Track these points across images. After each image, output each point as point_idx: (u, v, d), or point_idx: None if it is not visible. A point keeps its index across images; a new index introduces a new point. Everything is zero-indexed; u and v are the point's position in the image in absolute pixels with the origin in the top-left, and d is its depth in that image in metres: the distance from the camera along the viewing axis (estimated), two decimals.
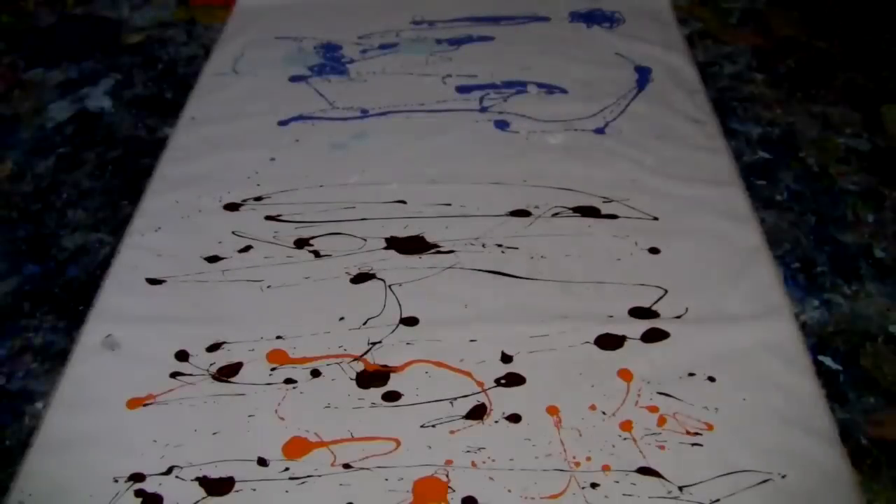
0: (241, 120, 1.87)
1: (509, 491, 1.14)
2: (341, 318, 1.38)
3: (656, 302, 1.40)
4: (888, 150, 1.77)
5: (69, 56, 2.18)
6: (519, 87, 1.96)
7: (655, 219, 1.57)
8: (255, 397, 1.27)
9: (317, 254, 1.51)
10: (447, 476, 1.15)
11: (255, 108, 1.91)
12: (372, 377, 1.29)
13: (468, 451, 1.19)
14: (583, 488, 1.14)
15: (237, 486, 1.15)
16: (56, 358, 1.37)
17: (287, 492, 1.15)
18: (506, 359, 1.31)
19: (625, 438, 1.19)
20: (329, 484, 1.15)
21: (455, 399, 1.26)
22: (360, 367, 1.31)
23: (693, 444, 1.18)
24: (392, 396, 1.26)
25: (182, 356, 1.33)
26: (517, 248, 1.51)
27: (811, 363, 1.30)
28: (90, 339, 1.36)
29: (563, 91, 1.93)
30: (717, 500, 1.12)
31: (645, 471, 1.15)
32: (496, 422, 1.23)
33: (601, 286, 1.43)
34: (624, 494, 1.13)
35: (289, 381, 1.29)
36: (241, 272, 1.48)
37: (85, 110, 1.99)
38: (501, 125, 1.84)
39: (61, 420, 1.24)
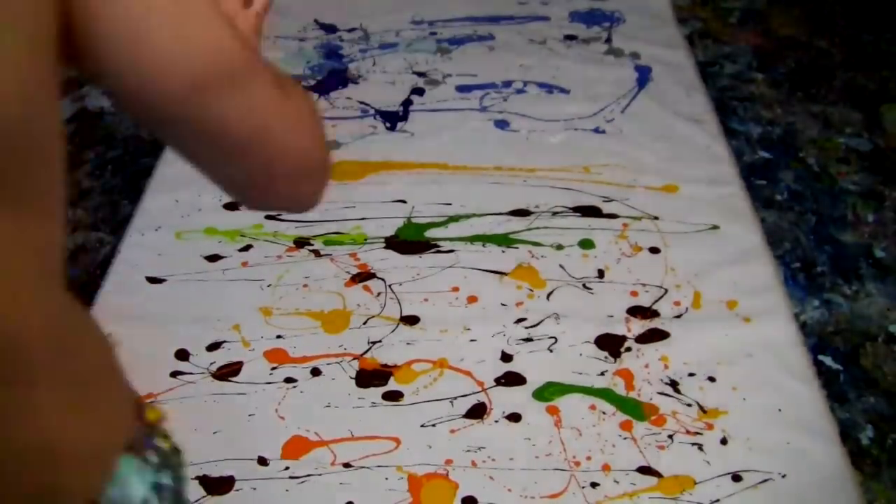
0: None
1: (509, 490, 1.14)
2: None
3: (656, 302, 1.40)
4: (888, 150, 1.77)
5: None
6: (519, 86, 1.96)
7: (655, 218, 1.57)
8: (255, 396, 1.27)
9: (317, 253, 1.52)
10: (447, 475, 1.15)
11: None
12: (372, 376, 1.29)
13: (468, 451, 1.18)
14: (583, 488, 1.14)
15: (237, 485, 1.15)
16: None
17: (287, 491, 1.15)
18: (506, 358, 1.31)
19: (625, 438, 1.19)
20: (329, 483, 1.15)
21: (455, 398, 1.26)
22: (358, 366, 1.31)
23: (693, 444, 1.18)
24: (392, 396, 1.26)
25: (182, 355, 1.33)
26: (517, 248, 1.51)
27: (811, 363, 1.30)
28: None
29: (563, 91, 1.93)
30: (717, 500, 1.12)
31: (645, 470, 1.15)
32: (496, 421, 1.23)
33: (601, 286, 1.43)
34: (624, 494, 1.13)
35: (289, 380, 1.29)
36: (241, 271, 1.48)
37: (85, 110, 1.99)
38: (501, 125, 1.84)
39: None
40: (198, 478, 1.16)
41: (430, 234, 1.55)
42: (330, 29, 2.22)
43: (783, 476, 1.14)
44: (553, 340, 1.34)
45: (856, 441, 1.21)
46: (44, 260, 0.46)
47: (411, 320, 1.38)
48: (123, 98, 0.45)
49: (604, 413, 1.23)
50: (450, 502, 1.12)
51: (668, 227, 1.55)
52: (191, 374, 1.30)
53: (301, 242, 1.54)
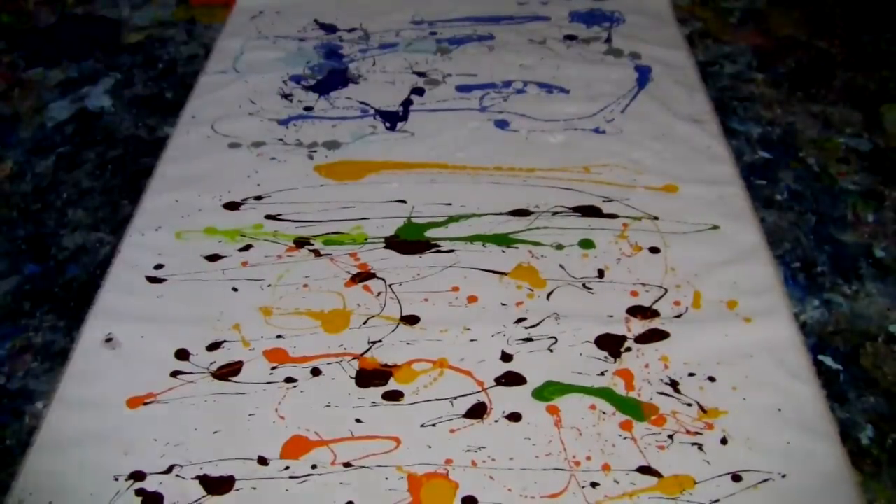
0: (241, 119, 1.87)
1: (509, 490, 1.14)
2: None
3: (656, 302, 1.40)
4: (888, 150, 1.77)
5: (69, 56, 2.18)
6: (519, 86, 1.96)
7: (655, 218, 1.57)
8: (255, 396, 1.27)
9: (317, 253, 1.52)
10: (447, 475, 1.15)
11: (254, 107, 1.91)
12: (372, 376, 1.29)
13: (468, 451, 1.18)
14: (583, 488, 1.14)
15: (237, 484, 1.15)
16: (56, 357, 1.37)
17: (287, 490, 1.15)
18: (506, 358, 1.31)
19: (625, 438, 1.20)
20: (329, 482, 1.15)
21: (455, 398, 1.26)
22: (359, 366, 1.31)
23: (693, 444, 1.19)
24: (392, 395, 1.26)
25: (182, 355, 1.33)
26: (517, 248, 1.51)
27: (811, 363, 1.30)
28: (90, 339, 1.36)
29: (563, 91, 1.93)
30: (717, 500, 1.12)
31: (645, 470, 1.15)
32: (496, 421, 1.23)
33: (601, 286, 1.43)
34: (624, 494, 1.13)
35: (289, 380, 1.29)
36: (241, 271, 1.48)
37: (85, 110, 1.99)
38: (501, 124, 1.84)
39: (62, 419, 1.24)
40: (198, 477, 1.16)
41: (430, 234, 1.55)
42: (330, 29, 2.22)
43: (783, 476, 1.14)
44: (553, 340, 1.34)
45: (856, 441, 1.21)
46: None
47: (411, 320, 1.38)
48: None
49: (604, 413, 1.23)
50: (450, 502, 1.13)
51: (668, 227, 1.55)
52: (191, 373, 1.30)
53: (301, 242, 1.54)
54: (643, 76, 1.97)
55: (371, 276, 1.46)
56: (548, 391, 1.26)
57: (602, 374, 1.28)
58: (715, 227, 1.54)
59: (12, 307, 1.48)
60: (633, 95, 1.91)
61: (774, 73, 2.02)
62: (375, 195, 1.64)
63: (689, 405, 1.23)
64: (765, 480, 1.13)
